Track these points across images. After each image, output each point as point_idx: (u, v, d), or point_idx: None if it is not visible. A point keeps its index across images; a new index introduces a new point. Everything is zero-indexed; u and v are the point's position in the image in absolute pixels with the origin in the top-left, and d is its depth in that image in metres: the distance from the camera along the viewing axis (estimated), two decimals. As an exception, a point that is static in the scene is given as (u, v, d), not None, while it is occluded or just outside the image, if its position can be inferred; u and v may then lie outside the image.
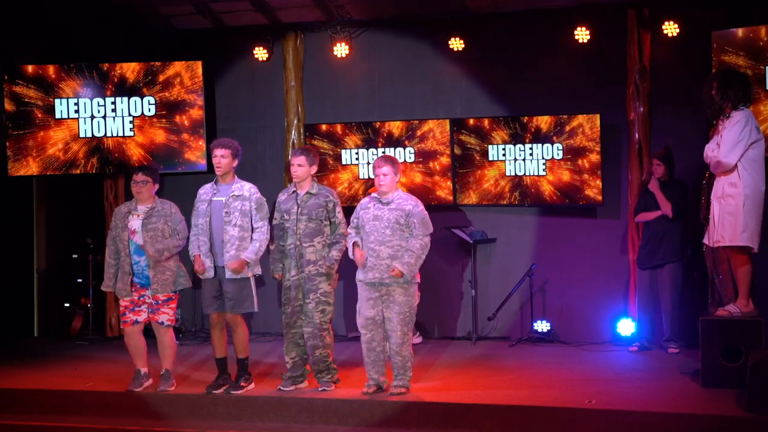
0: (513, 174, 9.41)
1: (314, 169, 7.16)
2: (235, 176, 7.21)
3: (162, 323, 7.22)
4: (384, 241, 6.82)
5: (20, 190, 10.29)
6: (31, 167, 9.66)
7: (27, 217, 10.48)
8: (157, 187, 7.39)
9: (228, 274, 7.02)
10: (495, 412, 6.47)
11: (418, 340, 9.18)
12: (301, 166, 7.07)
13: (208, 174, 9.65)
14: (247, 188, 7.15)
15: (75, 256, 10.27)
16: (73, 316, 10.12)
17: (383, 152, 9.68)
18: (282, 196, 7.25)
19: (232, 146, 7.17)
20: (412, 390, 6.91)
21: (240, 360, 7.20)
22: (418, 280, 6.94)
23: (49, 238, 10.61)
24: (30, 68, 9.61)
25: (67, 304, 10.29)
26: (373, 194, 7.05)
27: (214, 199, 7.08)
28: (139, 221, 7.24)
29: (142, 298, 7.24)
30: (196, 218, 7.15)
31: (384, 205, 6.90)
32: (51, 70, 9.59)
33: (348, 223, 7.17)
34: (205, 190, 7.20)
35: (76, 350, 9.42)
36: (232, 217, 7.01)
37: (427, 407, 6.59)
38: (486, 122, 9.45)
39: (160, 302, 7.20)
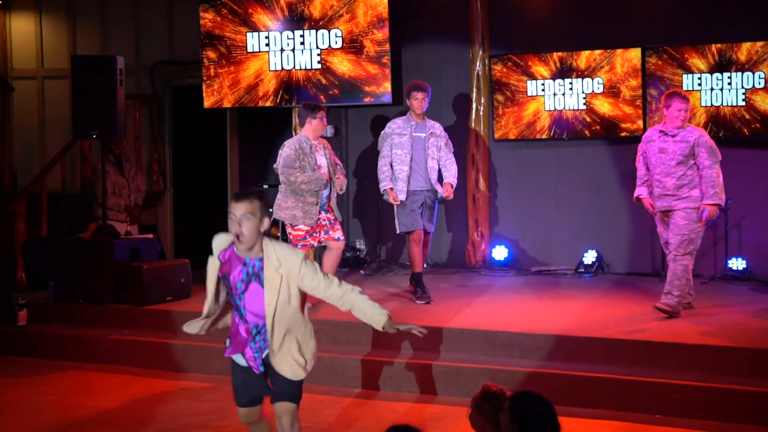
0: (709, 105, 8.98)
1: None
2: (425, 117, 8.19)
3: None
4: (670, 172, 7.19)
5: (215, 121, 10.70)
6: (224, 100, 9.97)
7: (222, 148, 10.93)
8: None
9: None
10: (684, 351, 6.28)
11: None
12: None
13: (394, 106, 9.72)
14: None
15: (265, 186, 10.62)
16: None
17: (570, 83, 9.43)
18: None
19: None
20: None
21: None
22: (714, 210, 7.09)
23: (241, 169, 11.01)
24: (223, 1, 9.85)
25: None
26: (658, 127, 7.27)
27: (414, 134, 8.08)
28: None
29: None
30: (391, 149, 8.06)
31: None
32: (240, 5, 9.81)
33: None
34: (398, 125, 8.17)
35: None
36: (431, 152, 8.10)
37: (612, 344, 6.50)
38: (683, 50, 9.02)
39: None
